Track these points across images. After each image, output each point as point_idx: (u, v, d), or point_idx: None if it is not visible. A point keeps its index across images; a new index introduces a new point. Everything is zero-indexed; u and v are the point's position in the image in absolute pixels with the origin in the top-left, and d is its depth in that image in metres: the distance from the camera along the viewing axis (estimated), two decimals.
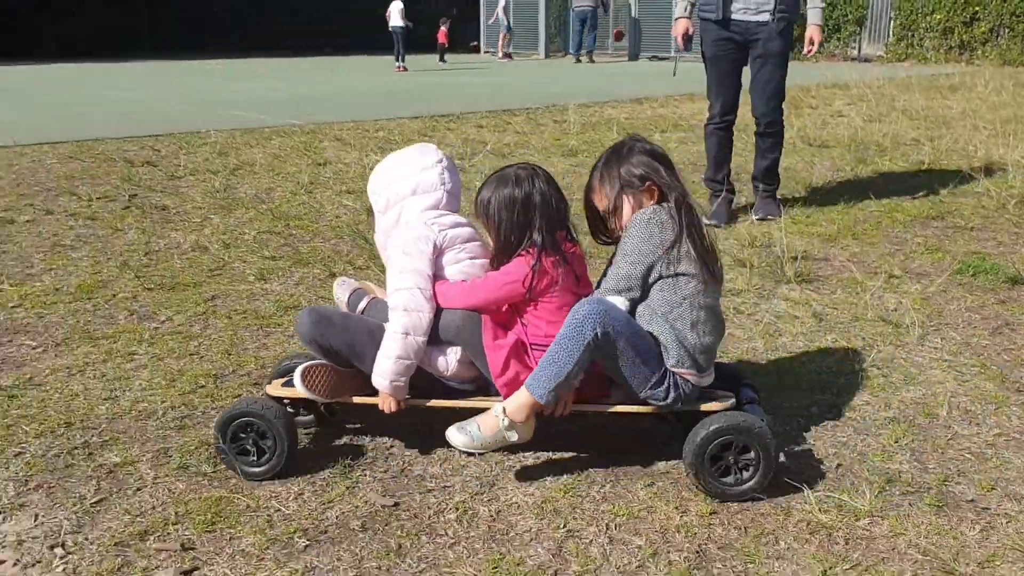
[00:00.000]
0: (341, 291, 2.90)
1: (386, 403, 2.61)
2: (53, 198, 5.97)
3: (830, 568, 2.14)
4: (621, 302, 2.47)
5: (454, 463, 2.63)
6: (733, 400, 2.56)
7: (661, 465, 2.61)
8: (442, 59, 22.06)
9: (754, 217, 5.51)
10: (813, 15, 5.45)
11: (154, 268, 4.50)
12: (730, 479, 2.41)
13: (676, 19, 5.49)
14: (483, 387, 2.68)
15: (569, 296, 2.56)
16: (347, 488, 2.50)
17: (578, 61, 21.62)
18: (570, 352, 2.35)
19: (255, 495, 2.46)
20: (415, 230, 2.65)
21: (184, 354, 3.43)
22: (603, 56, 22.87)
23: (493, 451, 2.53)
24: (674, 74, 8.58)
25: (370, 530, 2.31)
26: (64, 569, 2.14)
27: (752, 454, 2.40)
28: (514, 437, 2.43)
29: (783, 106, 5.45)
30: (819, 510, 2.37)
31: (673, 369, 2.45)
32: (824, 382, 3.18)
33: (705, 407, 2.51)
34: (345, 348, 2.63)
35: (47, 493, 2.47)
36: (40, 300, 4.02)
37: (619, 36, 23.38)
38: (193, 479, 2.54)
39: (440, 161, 2.77)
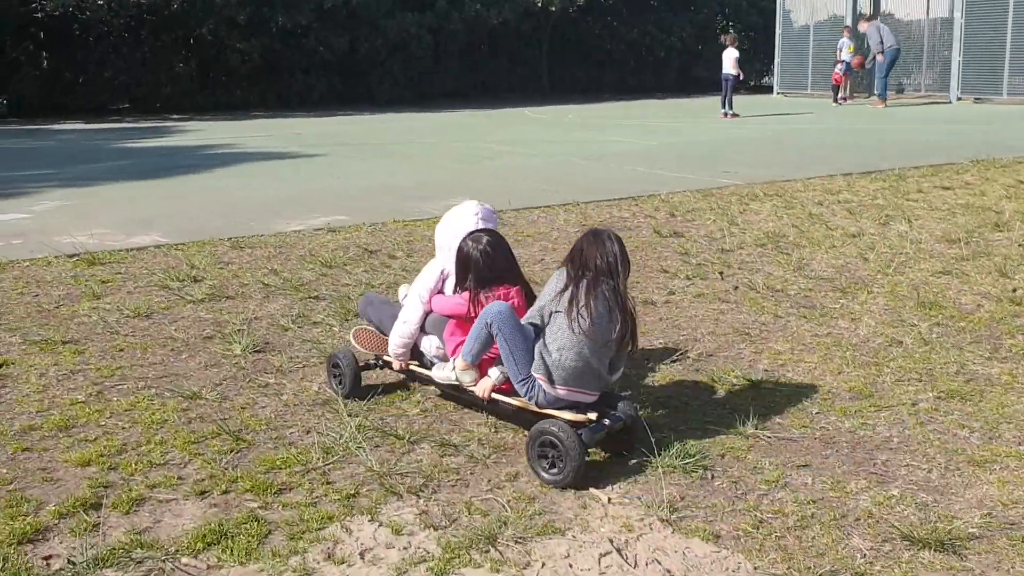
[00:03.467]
0: (401, 291, 4.32)
1: (395, 363, 4.02)
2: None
3: None
4: (526, 324, 3.49)
5: None
6: (586, 417, 3.37)
7: None
8: (838, 100, 21.66)
9: None
10: None
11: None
12: (545, 465, 3.25)
13: None
14: (447, 361, 3.87)
15: None
16: None
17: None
18: (475, 333, 3.56)
19: None
20: (434, 262, 3.97)
21: None
22: (912, 97, 21.91)
23: (445, 385, 3.83)
24: None
25: None
26: None
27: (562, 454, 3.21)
28: (454, 378, 3.70)
29: None
30: None
31: (533, 373, 3.43)
32: None
33: (554, 412, 3.39)
34: (377, 321, 4.20)
35: None
36: None
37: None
38: None
39: (476, 213, 3.88)
